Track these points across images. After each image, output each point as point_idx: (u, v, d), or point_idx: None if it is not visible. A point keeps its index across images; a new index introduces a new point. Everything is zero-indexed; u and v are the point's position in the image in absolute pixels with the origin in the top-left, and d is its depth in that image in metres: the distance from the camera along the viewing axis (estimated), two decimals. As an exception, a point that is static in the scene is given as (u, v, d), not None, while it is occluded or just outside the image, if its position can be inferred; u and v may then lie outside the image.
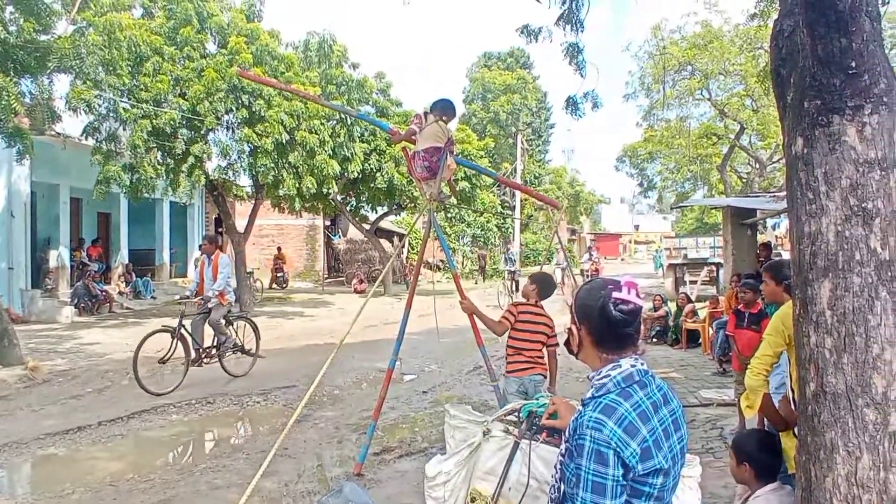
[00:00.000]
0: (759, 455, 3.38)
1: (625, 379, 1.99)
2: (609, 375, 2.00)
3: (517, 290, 22.98)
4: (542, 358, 5.72)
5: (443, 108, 6.05)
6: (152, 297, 21.41)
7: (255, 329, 10.82)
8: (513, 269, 25.30)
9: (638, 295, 2.04)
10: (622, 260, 65.80)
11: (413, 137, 6.00)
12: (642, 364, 2.05)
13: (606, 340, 2.05)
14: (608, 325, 2.02)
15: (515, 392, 5.55)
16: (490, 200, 30.22)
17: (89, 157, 16.04)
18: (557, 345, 5.83)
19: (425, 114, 6.08)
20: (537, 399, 3.56)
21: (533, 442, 3.24)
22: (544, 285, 5.91)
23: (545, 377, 5.78)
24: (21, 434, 7.31)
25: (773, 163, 29.46)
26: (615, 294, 2.01)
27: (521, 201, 38.88)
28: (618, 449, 1.84)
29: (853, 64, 2.60)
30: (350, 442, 7.14)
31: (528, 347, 5.66)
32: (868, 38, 2.61)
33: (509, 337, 5.72)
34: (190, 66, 16.21)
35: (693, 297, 15.06)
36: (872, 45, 2.63)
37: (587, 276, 24.52)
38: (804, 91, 2.75)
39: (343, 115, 17.87)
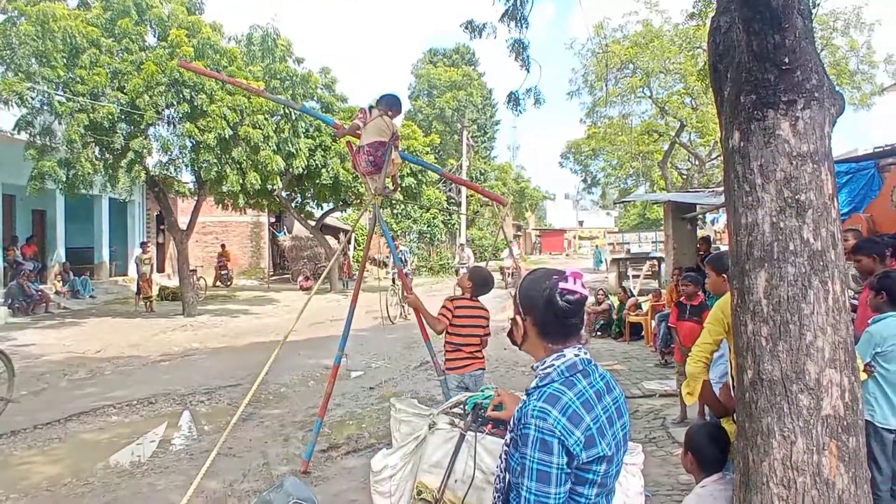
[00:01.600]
0: (704, 447, 3.45)
1: (568, 368, 1.99)
2: (553, 365, 2.00)
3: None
4: (480, 352, 5.69)
5: (388, 103, 6.05)
6: (91, 297, 20.86)
7: (9, 364, 7.98)
8: (404, 271, 21.02)
9: (583, 285, 2.05)
10: (567, 255, 66.57)
11: (357, 132, 5.97)
12: (585, 353, 2.06)
13: (552, 331, 2.04)
14: (554, 316, 2.01)
15: (456, 388, 5.49)
16: (436, 196, 30.24)
17: (22, 152, 15.46)
18: (489, 334, 5.90)
19: (370, 108, 6.06)
20: (482, 391, 3.58)
21: (478, 434, 3.25)
22: (481, 284, 5.80)
23: (484, 370, 5.77)
24: (-49, 439, 6.99)
25: (712, 159, 30.19)
26: (561, 284, 2.01)
27: (467, 197, 39.03)
28: (562, 437, 1.84)
29: (786, 60, 2.67)
30: (296, 440, 7.06)
31: (467, 343, 5.60)
32: (800, 36, 2.69)
33: (448, 333, 5.63)
34: (128, 59, 15.73)
35: (636, 291, 15.35)
36: (804, 42, 2.71)
37: (507, 273, 24.40)
38: (740, 86, 2.81)
39: (287, 110, 17.63)
